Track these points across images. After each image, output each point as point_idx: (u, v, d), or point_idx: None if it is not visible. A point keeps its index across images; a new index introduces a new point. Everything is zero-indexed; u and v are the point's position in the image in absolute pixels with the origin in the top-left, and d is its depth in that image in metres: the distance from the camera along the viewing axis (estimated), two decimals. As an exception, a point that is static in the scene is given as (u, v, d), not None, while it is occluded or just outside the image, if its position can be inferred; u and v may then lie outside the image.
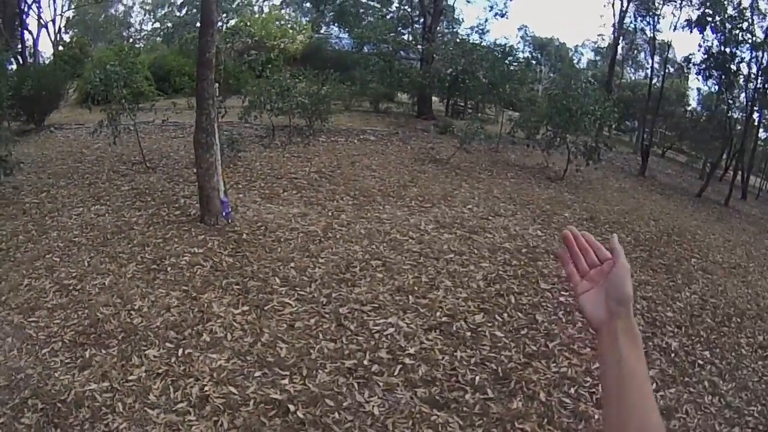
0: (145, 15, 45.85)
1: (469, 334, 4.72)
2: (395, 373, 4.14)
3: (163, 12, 44.95)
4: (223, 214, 6.73)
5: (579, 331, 4.87)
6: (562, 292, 5.56)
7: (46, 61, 25.60)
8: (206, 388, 3.89)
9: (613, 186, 12.28)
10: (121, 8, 43.54)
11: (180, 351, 4.30)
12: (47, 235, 6.56)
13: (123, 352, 4.31)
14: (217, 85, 7.21)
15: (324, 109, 12.84)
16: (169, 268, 5.62)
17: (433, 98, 20.19)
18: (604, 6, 43.53)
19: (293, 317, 4.82)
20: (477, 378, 4.15)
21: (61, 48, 28.09)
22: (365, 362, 4.25)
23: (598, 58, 38.09)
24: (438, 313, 4.98)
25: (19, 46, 24.15)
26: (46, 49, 35.79)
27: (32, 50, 25.43)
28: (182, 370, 4.09)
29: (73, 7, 34.63)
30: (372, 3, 22.61)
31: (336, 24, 25.24)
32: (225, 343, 4.42)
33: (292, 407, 3.72)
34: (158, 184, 8.44)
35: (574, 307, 5.13)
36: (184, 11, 43.00)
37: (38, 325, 4.71)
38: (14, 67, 20.63)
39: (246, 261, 5.84)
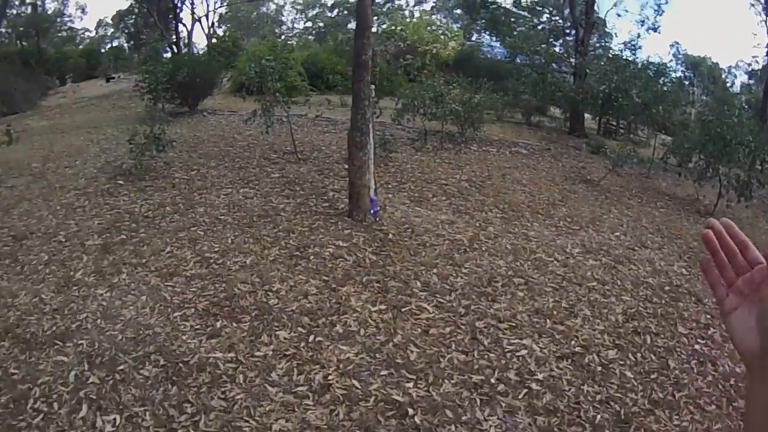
0: (296, 14, 49.86)
1: (599, 369, 4.59)
2: (519, 397, 4.12)
3: (314, 12, 48.58)
4: (371, 212, 7.06)
5: (708, 385, 4.60)
6: (699, 340, 5.27)
7: (200, 52, 28.76)
8: (330, 377, 4.09)
9: (763, 228, 11.22)
10: (273, 6, 47.75)
11: (311, 337, 4.55)
12: (194, 209, 7.27)
13: (254, 328, 4.64)
14: (373, 86, 7.70)
15: (477, 117, 13.11)
16: (311, 257, 5.97)
17: (586, 115, 19.81)
18: (758, 24, 39.73)
19: (428, 323, 4.92)
20: (599, 417, 4.02)
21: (214, 41, 31.42)
22: (492, 380, 4.26)
23: (751, 81, 35.75)
24: (573, 342, 4.89)
25: (174, 37, 27.53)
26: (199, 41, 40.11)
27: (186, 41, 28.83)
28: (309, 356, 4.32)
29: (225, 3, 38.58)
30: (523, 12, 22.73)
31: (488, 32, 25.62)
32: (357, 337, 4.61)
33: (411, 411, 3.82)
34: (308, 175, 8.99)
35: (708, 357, 4.93)
36: (335, 12, 46.16)
37: (174, 290, 5.24)
38: (169, 55, 23.54)
39: (389, 261, 6.06)
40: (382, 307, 5.11)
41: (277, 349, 4.42)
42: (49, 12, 38.11)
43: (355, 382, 4.06)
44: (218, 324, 4.71)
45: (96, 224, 6.91)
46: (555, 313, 5.32)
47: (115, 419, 3.71)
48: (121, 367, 4.20)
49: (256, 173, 9.06)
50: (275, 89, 10.18)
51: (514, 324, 5.03)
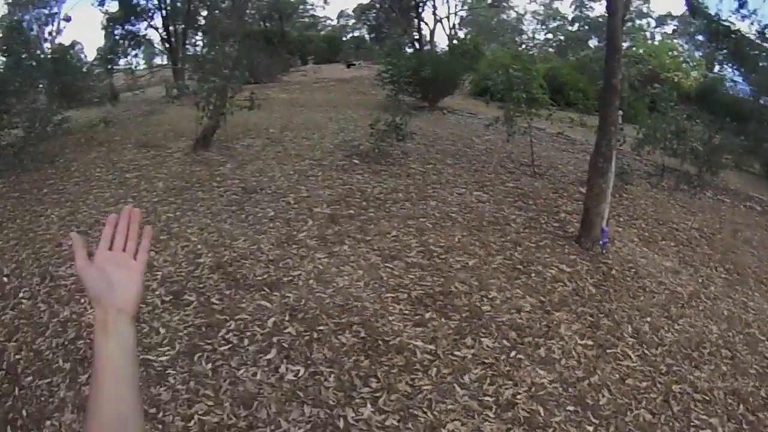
0: (537, 24, 49.65)
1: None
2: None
3: (554, 24, 47.94)
4: (600, 242, 6.89)
5: None
6: None
7: (441, 52, 29.75)
8: (518, 397, 4.10)
9: None
10: (513, 15, 47.88)
11: (512, 353, 4.57)
12: (425, 201, 7.63)
13: (461, 329, 4.79)
14: (620, 112, 7.50)
15: (716, 161, 12.15)
16: (533, 274, 5.98)
17: None
18: None
19: (628, 372, 4.72)
20: None
21: (455, 42, 32.33)
22: (669, 451, 3.99)
23: None
24: (758, 436, 4.40)
25: (415, 34, 28.81)
26: (440, 41, 41.43)
27: (428, 40, 30.04)
28: (505, 371, 4.36)
29: (465, 7, 39.49)
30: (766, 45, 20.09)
31: (730, 64, 23.10)
32: (556, 365, 4.55)
33: (582, 455, 3.72)
34: (542, 191, 8.98)
35: None
36: (575, 26, 45.13)
37: (392, 272, 5.56)
38: (411, 50, 24.66)
39: (607, 297, 5.89)
40: (589, 342, 4.99)
41: (477, 354, 4.51)
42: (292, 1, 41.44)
43: (541, 409, 4.03)
44: (427, 315, 4.92)
45: (326, 194, 7.55)
46: (751, 399, 4.81)
47: (299, 371, 4.08)
48: (321, 328, 4.59)
49: (491, 179, 9.24)
50: (521, 100, 10.22)
51: (708, 399, 4.64)
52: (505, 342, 4.72)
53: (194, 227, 6.44)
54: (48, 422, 3.69)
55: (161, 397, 3.83)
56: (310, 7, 45.63)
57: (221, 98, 9.71)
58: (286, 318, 4.69)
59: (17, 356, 4.46)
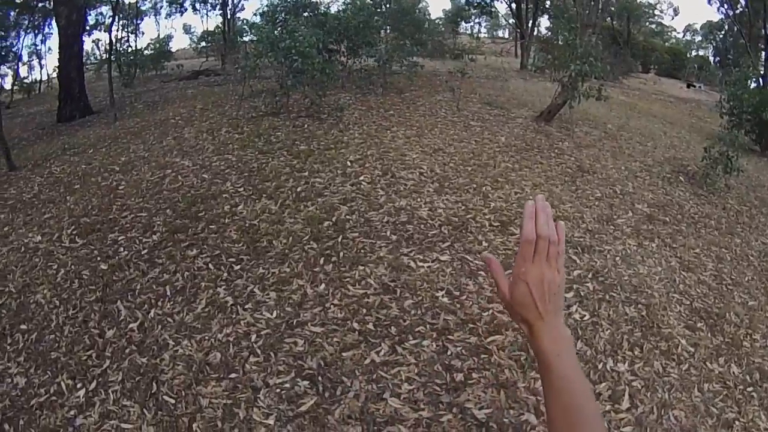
0: None
1: None
2: None
3: None
4: None
5: None
6: None
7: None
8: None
9: None
10: None
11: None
12: (731, 237, 7.87)
13: (720, 348, 5.12)
14: None
15: None
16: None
17: None
18: None
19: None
20: None
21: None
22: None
23: None
24: None
25: (762, 68, 26.91)
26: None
27: None
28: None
29: None
30: None
31: None
32: None
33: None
34: None
35: None
36: None
37: (684, 280, 6.17)
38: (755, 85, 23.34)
39: None
40: None
41: (722, 374, 4.74)
42: (642, 2, 40.67)
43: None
44: (698, 324, 5.39)
45: (649, 197, 8.41)
46: None
47: (584, 315, 4.96)
48: (613, 294, 5.40)
49: None
50: None
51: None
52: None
53: (528, 181, 7.94)
54: (361, 268, 5.24)
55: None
56: (659, 13, 44.97)
57: (577, 82, 10.96)
58: (589, 276, 5.72)
59: (348, 217, 6.24)
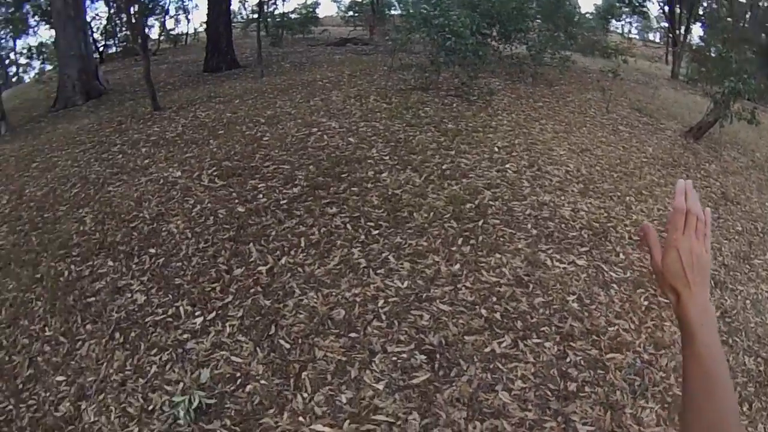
0: None
1: None
2: None
3: None
4: None
5: None
6: None
7: None
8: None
9: None
10: None
11: None
12: None
13: None
14: None
15: None
16: None
17: None
18: None
19: None
20: None
21: None
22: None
23: None
24: None
25: None
26: None
27: None
28: None
29: None
30: None
31: None
32: None
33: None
34: None
35: None
36: None
37: None
38: None
39: None
40: None
41: None
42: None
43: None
44: None
45: None
46: None
47: None
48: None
49: None
50: None
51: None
52: None
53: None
54: (498, 256, 5.18)
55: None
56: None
57: (730, 101, 10.33)
58: (717, 314, 5.45)
59: (491, 202, 6.13)
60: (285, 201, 6.09)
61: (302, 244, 5.32)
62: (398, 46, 12.61)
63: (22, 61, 38.96)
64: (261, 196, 6.26)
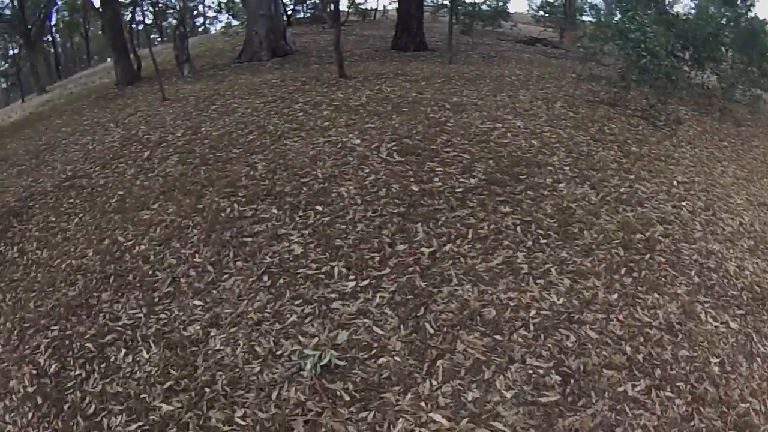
0: None
1: None
2: None
3: None
4: None
5: None
6: None
7: None
8: None
9: None
10: None
11: None
12: None
13: None
14: None
15: None
16: None
17: None
18: None
19: None
20: None
21: None
22: None
23: None
24: None
25: None
26: None
27: None
28: None
29: None
30: None
31: None
32: None
33: None
34: None
35: None
36: None
37: None
38: None
39: None
40: None
41: None
42: None
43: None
44: None
45: None
46: None
47: None
48: None
49: None
50: None
51: None
52: None
53: None
54: (656, 296, 4.87)
55: None
56: None
57: None
58: None
59: (660, 238, 5.74)
60: (460, 190, 6.08)
61: (469, 236, 5.31)
62: (589, 55, 12.30)
63: (210, 14, 41.99)
64: (437, 179, 6.29)
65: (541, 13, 28.66)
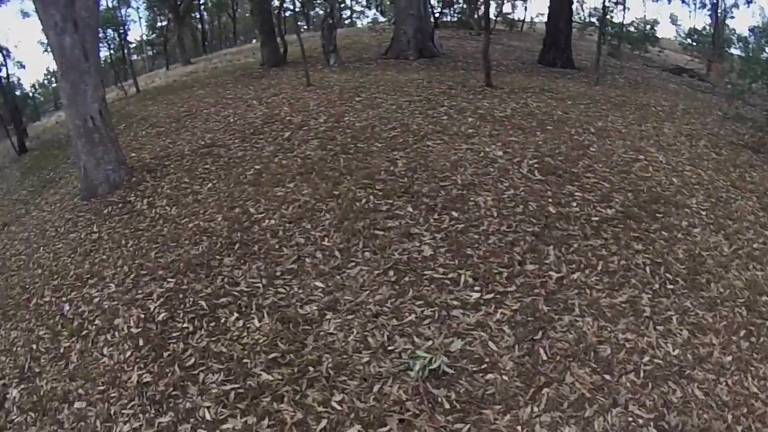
0: None
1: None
2: None
3: None
4: None
5: None
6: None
7: None
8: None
9: None
10: None
11: None
12: None
13: None
14: None
15: None
16: None
17: None
18: None
19: None
20: None
21: None
22: None
23: None
24: None
25: None
26: None
27: None
28: None
29: None
30: None
31: None
32: None
33: None
34: None
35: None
36: None
37: None
38: None
39: None
40: None
41: None
42: None
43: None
44: None
45: None
46: None
47: None
48: None
49: None
50: None
51: None
52: None
53: None
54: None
55: None
56: None
57: None
58: None
59: None
60: (596, 219, 6.11)
61: (599, 267, 5.33)
62: (737, 93, 11.85)
63: (357, 8, 43.03)
64: (574, 204, 6.35)
65: (689, 41, 27.69)
